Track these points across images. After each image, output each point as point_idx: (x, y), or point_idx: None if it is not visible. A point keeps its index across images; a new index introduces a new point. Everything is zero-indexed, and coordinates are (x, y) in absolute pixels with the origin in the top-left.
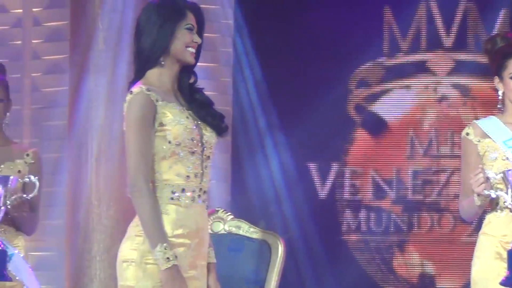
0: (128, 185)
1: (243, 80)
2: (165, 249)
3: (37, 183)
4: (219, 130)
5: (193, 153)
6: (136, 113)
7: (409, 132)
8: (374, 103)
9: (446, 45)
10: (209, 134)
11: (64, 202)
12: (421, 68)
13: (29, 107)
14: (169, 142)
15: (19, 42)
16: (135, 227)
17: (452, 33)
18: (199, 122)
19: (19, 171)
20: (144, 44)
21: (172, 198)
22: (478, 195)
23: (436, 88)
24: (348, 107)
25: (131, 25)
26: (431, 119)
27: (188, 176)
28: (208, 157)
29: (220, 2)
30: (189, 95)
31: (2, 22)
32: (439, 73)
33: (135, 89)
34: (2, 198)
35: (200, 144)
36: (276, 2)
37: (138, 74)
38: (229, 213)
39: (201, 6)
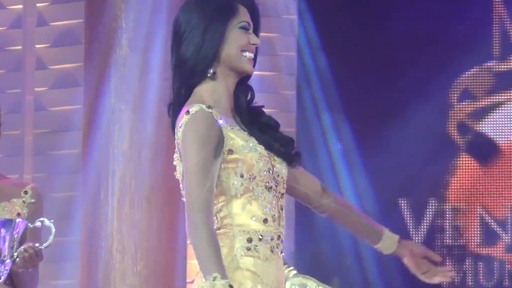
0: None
1: (310, 92)
2: (214, 279)
3: (53, 229)
4: (290, 159)
5: (269, 188)
6: (197, 133)
7: None
8: (482, 121)
9: None
10: (279, 165)
11: (77, 256)
12: None
13: (31, 132)
14: (241, 176)
15: (19, 47)
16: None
17: None
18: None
19: (18, 214)
20: (185, 53)
21: (248, 249)
22: None
23: None
24: (448, 126)
25: (165, 23)
26: None
27: (265, 220)
28: (282, 194)
29: None
30: (248, 116)
31: None
32: None
33: (192, 108)
34: (7, 248)
35: (273, 178)
36: None
37: (180, 92)
38: (292, 268)
39: None
